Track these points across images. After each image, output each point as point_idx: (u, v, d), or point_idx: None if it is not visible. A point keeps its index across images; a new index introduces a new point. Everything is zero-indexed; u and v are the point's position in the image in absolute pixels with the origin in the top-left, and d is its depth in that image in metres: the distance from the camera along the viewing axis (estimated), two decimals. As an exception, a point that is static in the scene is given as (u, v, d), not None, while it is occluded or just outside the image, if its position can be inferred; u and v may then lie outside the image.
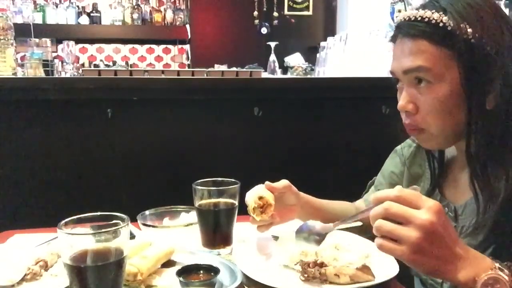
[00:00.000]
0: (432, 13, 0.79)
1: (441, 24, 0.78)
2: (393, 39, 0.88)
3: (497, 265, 0.66)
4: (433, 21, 0.78)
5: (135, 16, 4.46)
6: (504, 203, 0.76)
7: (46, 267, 0.86)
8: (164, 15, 4.56)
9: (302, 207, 1.07)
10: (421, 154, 1.01)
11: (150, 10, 4.57)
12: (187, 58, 4.59)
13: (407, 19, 0.83)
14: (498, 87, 0.77)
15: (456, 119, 0.81)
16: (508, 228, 0.78)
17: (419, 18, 0.80)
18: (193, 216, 1.04)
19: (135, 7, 4.49)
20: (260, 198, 0.95)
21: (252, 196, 0.96)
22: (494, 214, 0.77)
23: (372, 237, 1.00)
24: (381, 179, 1.15)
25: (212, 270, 0.82)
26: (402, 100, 0.86)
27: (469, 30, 0.76)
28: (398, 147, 1.13)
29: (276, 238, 1.03)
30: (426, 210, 0.64)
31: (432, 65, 0.79)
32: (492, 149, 0.78)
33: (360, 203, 1.21)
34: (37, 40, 2.73)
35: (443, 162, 0.96)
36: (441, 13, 0.78)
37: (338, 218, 1.11)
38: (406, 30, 0.82)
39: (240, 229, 1.04)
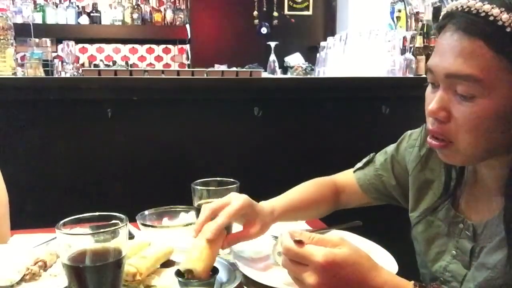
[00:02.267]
0: (501, 11, 0.64)
1: (508, 29, 0.63)
2: (440, 28, 0.72)
3: None
4: (500, 22, 0.64)
5: (135, 16, 4.46)
6: None
7: (45, 267, 0.86)
8: (164, 15, 4.56)
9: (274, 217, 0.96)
10: (435, 158, 0.89)
11: (150, 10, 4.57)
12: (187, 58, 4.59)
13: (465, 9, 0.67)
14: None
15: (493, 138, 0.69)
16: None
17: (482, 13, 0.65)
18: (192, 216, 1.04)
19: (135, 7, 4.49)
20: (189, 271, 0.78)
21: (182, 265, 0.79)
22: None
23: (371, 237, 1.01)
24: (386, 164, 1.04)
25: (211, 270, 0.82)
26: (435, 104, 0.71)
27: None
28: (409, 135, 1.01)
29: (276, 238, 1.03)
30: (311, 272, 0.63)
31: (484, 76, 0.65)
32: None
33: (346, 176, 1.12)
34: (37, 40, 2.72)
35: (463, 175, 0.85)
36: (511, 12, 0.63)
37: (312, 205, 1.07)
38: (462, 23, 0.67)
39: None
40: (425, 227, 0.90)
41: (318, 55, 2.70)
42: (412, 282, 0.66)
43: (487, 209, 0.78)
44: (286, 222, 1.13)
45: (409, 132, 1.01)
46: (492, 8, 0.64)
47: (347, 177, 1.12)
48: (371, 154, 1.09)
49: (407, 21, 2.61)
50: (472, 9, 0.66)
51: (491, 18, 0.64)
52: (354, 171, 1.11)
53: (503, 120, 0.67)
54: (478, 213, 0.81)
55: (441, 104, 0.71)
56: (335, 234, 0.89)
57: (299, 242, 0.65)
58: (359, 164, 1.11)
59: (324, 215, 1.11)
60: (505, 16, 0.64)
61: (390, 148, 1.05)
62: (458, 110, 0.69)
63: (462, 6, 0.67)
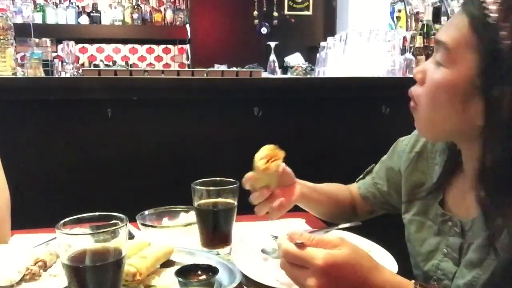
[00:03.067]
0: (494, 1, 0.68)
1: (486, 11, 0.68)
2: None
3: None
4: (484, 4, 0.69)
5: (135, 16, 4.46)
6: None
7: (45, 267, 0.86)
8: (164, 15, 4.56)
9: (301, 188, 1.05)
10: (424, 159, 0.94)
11: (150, 10, 4.57)
12: (187, 58, 4.59)
13: None
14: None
15: (449, 116, 0.74)
16: None
17: None
18: (192, 216, 1.04)
19: (135, 7, 4.50)
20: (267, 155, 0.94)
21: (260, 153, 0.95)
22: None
23: (371, 237, 1.01)
24: (380, 172, 1.09)
25: (211, 270, 0.82)
26: (417, 68, 0.80)
27: (503, 33, 0.66)
28: (401, 141, 1.05)
29: (275, 238, 1.03)
30: (311, 275, 0.62)
31: (453, 47, 0.71)
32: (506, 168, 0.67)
33: (354, 187, 1.17)
34: (37, 40, 2.73)
35: (452, 170, 0.87)
36: (498, 1, 0.68)
37: (333, 199, 1.12)
38: (464, 2, 0.74)
39: (239, 229, 1.04)
40: (417, 228, 0.92)
41: (318, 55, 2.70)
42: (413, 281, 0.66)
43: (473, 206, 0.78)
44: (286, 223, 1.13)
45: (401, 138, 1.06)
46: None
47: (353, 187, 1.18)
48: (372, 165, 1.15)
49: (407, 21, 2.61)
50: None
51: (483, 4, 0.69)
52: (357, 181, 1.17)
53: (458, 99, 0.71)
54: (465, 209, 0.82)
55: (423, 68, 0.78)
56: (335, 234, 0.90)
57: (299, 245, 0.64)
58: (361, 175, 1.17)
59: (342, 215, 1.14)
60: (493, 7, 0.67)
61: (385, 156, 1.10)
62: (429, 75, 0.76)
63: None
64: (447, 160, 0.88)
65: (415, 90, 0.80)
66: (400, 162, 1.02)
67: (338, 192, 1.16)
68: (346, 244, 0.65)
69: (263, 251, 0.94)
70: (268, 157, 0.92)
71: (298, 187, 1.04)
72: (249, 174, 0.96)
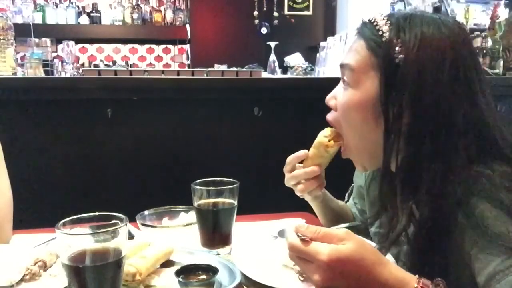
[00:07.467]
0: (382, 19, 0.78)
1: (380, 32, 0.77)
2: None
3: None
4: (377, 27, 0.78)
5: (135, 16, 4.46)
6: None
7: (45, 267, 0.86)
8: (164, 15, 4.56)
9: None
10: None
11: (150, 10, 4.57)
12: (187, 58, 4.59)
13: (371, 19, 0.83)
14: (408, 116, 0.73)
15: (367, 135, 0.80)
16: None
17: (373, 22, 0.80)
18: (192, 216, 1.04)
19: (135, 7, 4.49)
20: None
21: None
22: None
23: (371, 237, 1.01)
24: (356, 191, 1.16)
25: (211, 270, 0.82)
26: (329, 94, 0.89)
27: (397, 48, 0.74)
28: None
29: (276, 238, 1.03)
30: (316, 268, 0.63)
31: (356, 67, 0.79)
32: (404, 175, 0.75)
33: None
34: (37, 40, 2.73)
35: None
36: (388, 22, 0.77)
37: (339, 213, 1.15)
38: (360, 28, 0.83)
39: (239, 229, 1.04)
40: (380, 240, 0.92)
41: (318, 55, 2.70)
42: (416, 276, 0.66)
43: None
44: (286, 223, 1.13)
45: None
46: (377, 16, 0.80)
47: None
48: (352, 185, 1.19)
49: (407, 21, 2.60)
50: (371, 19, 0.81)
51: (374, 23, 0.79)
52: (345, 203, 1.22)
53: (369, 116, 0.78)
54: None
55: (334, 93, 0.87)
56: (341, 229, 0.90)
57: (304, 240, 0.65)
58: (346, 198, 1.22)
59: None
60: (382, 22, 0.78)
61: (354, 175, 1.16)
62: (339, 99, 0.84)
63: (370, 18, 0.82)
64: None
65: (331, 115, 0.89)
66: (363, 178, 1.08)
67: (342, 208, 1.19)
68: (352, 238, 0.65)
69: (279, 233, 0.93)
70: (330, 137, 0.94)
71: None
72: (305, 151, 1.01)
